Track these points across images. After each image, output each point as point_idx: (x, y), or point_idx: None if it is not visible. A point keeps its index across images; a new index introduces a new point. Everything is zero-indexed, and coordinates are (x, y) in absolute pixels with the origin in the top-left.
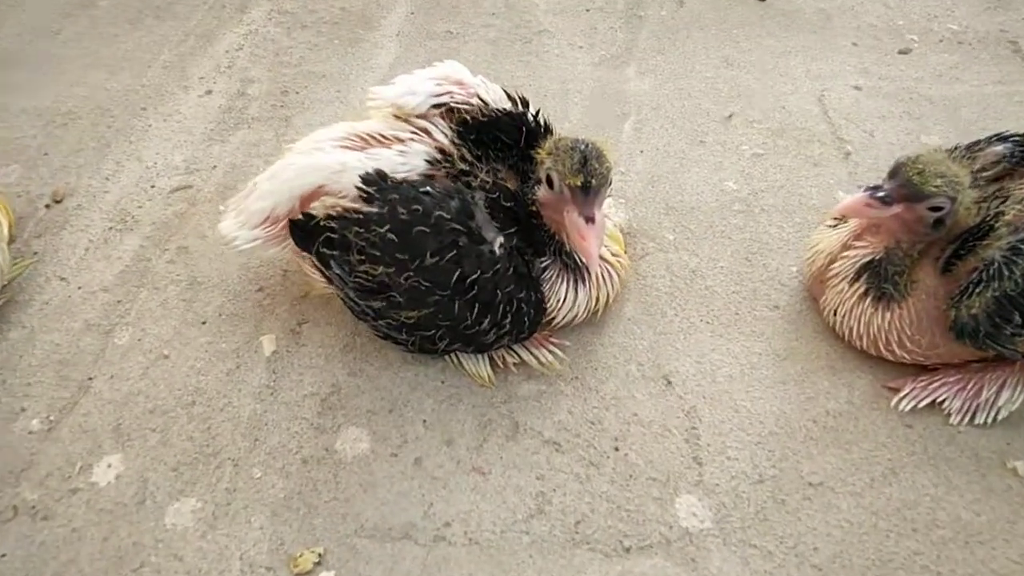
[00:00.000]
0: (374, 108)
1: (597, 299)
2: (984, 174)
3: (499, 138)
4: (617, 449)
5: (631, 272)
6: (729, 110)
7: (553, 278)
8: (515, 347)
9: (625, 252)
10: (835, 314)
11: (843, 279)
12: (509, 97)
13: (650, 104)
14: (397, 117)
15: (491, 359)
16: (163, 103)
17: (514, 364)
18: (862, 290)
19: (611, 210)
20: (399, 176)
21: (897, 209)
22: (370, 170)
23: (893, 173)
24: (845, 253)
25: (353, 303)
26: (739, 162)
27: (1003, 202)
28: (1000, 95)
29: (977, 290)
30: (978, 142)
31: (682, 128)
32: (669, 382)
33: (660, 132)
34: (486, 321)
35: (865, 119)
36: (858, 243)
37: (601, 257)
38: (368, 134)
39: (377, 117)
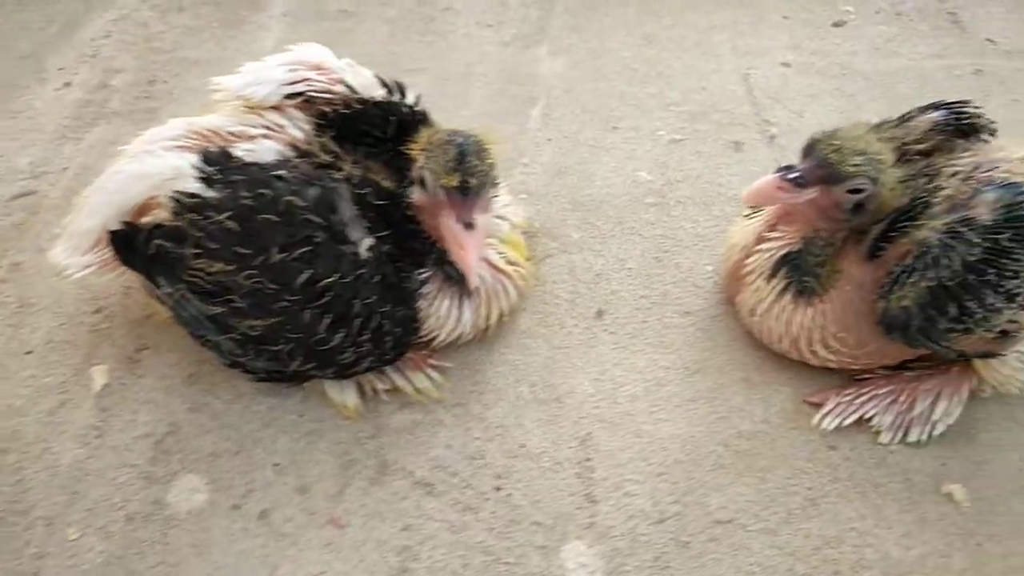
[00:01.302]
0: (220, 101)
1: (488, 316)
2: (917, 146)
3: (367, 132)
4: (499, 489)
5: (533, 279)
6: (647, 91)
7: (433, 293)
8: (387, 371)
9: (528, 258)
10: (753, 314)
11: (759, 275)
12: (382, 83)
13: (561, 87)
14: (248, 110)
15: (359, 386)
16: (14, 98)
17: (385, 391)
18: (781, 286)
19: (510, 208)
20: None
21: (812, 193)
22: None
23: (807, 151)
24: (760, 246)
25: (188, 319)
26: (654, 149)
27: (932, 179)
28: (939, 69)
29: (909, 279)
30: (911, 112)
31: (595, 113)
32: (563, 405)
33: (571, 118)
34: (339, 336)
35: (793, 98)
36: (773, 234)
37: (496, 267)
38: (211, 131)
39: (224, 111)
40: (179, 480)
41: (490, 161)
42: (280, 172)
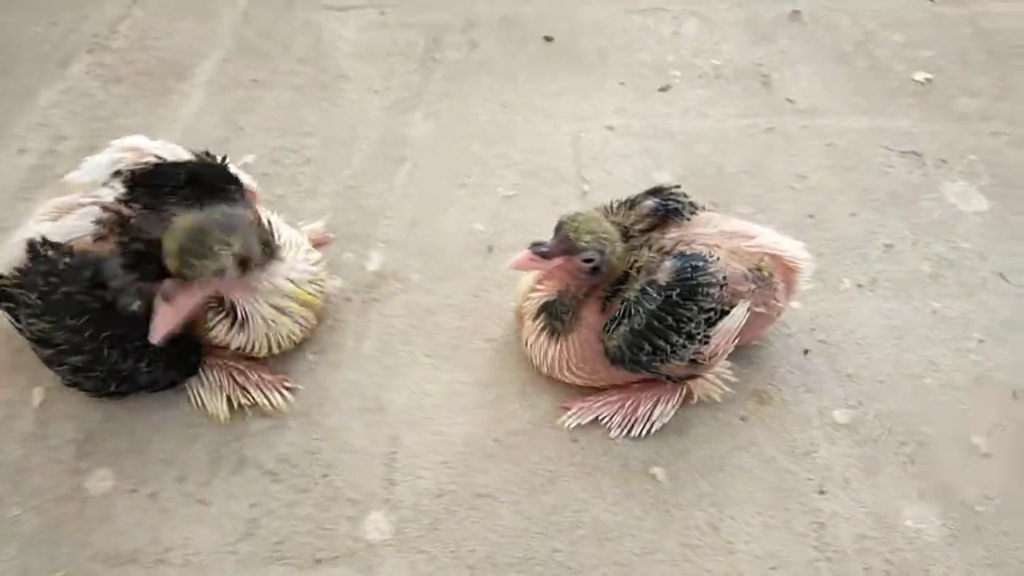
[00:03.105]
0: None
1: (260, 345)
2: (638, 226)
3: (165, 184)
4: (326, 475)
5: (374, 312)
6: (494, 152)
7: (211, 319)
8: (249, 389)
9: (308, 304)
10: (527, 344)
11: (529, 315)
12: (195, 155)
13: (427, 148)
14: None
15: (229, 400)
16: None
17: (249, 405)
18: (541, 326)
19: (311, 264)
20: (75, 237)
21: (558, 261)
22: (37, 237)
23: (556, 230)
24: (531, 294)
25: (36, 350)
26: (491, 203)
27: (647, 250)
28: (737, 129)
29: (616, 325)
30: (636, 197)
31: (449, 171)
32: (384, 412)
33: (430, 176)
34: (128, 365)
35: (608, 158)
36: (540, 286)
37: (266, 314)
38: (64, 205)
39: (77, 191)
40: (94, 472)
41: (213, 264)
42: (66, 260)
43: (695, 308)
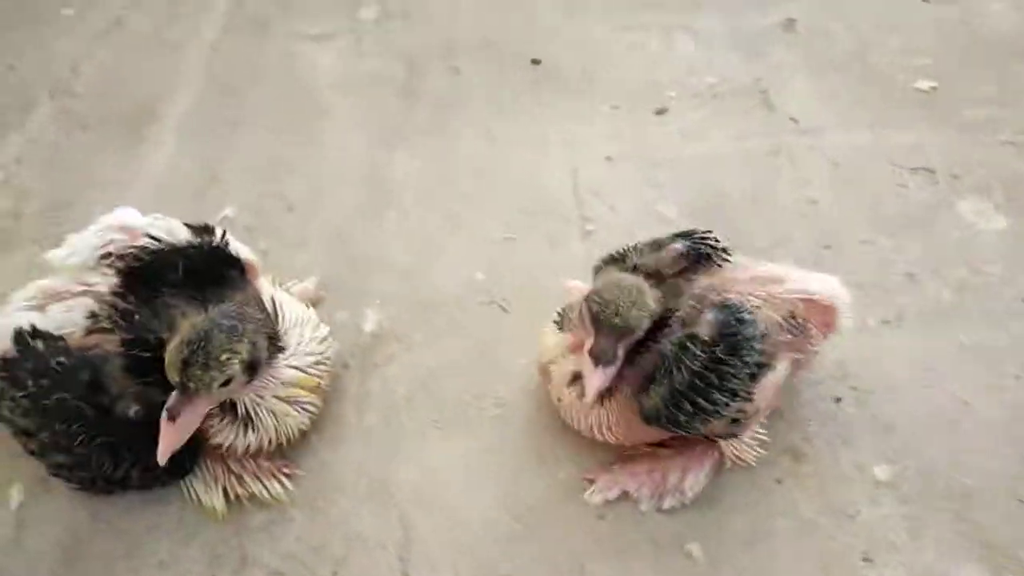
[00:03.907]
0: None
1: (271, 441)
2: (665, 269)
3: (163, 275)
4: (336, 573)
5: (375, 379)
6: (486, 191)
7: (216, 424)
8: (246, 479)
9: (315, 389)
10: (559, 401)
11: (561, 379)
12: (192, 228)
13: (414, 189)
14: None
15: (225, 493)
16: None
17: (247, 497)
18: (577, 392)
19: (313, 345)
20: (65, 331)
21: (621, 354)
22: (26, 326)
23: (596, 327)
24: (562, 360)
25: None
26: (489, 248)
27: (677, 298)
28: (739, 151)
29: (653, 383)
30: (661, 239)
31: (440, 214)
32: (392, 495)
33: (420, 220)
34: (120, 472)
35: (610, 192)
36: (572, 355)
37: (271, 409)
38: (50, 292)
39: (63, 273)
40: None
41: (224, 372)
42: (60, 359)
43: (739, 363)
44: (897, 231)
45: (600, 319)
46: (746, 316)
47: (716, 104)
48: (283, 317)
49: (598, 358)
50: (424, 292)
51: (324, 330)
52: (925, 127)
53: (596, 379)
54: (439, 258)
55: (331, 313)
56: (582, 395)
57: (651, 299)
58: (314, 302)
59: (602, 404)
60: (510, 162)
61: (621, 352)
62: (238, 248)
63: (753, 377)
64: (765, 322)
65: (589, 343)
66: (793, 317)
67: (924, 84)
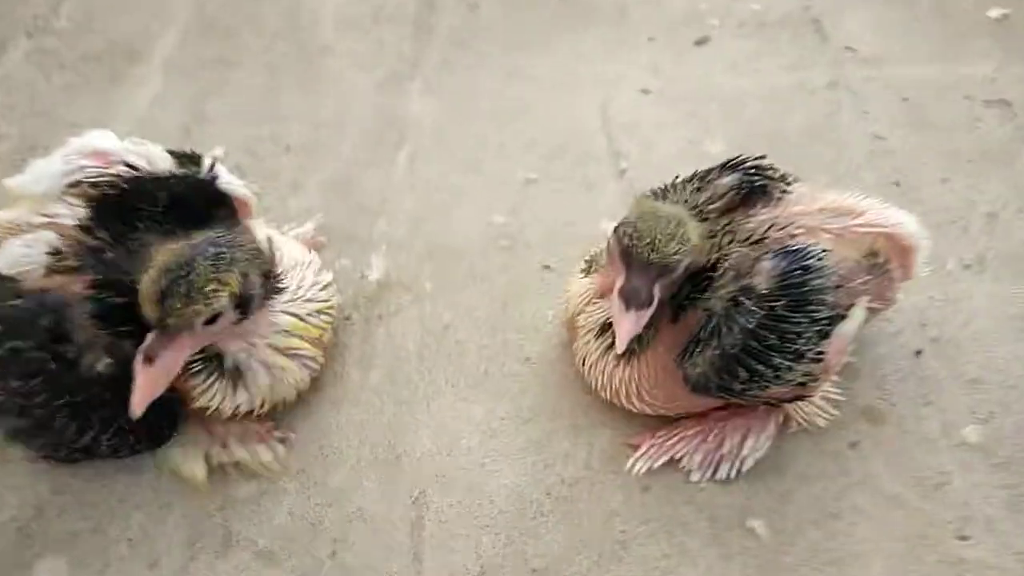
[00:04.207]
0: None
1: (267, 401)
2: (711, 206)
3: (140, 208)
4: (335, 554)
5: (380, 332)
6: (508, 130)
7: (203, 378)
8: (231, 444)
9: (320, 338)
10: (583, 364)
11: (588, 331)
12: (176, 156)
13: (430, 129)
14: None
15: (207, 459)
16: None
17: (231, 464)
18: (606, 344)
19: (313, 291)
20: (22, 269)
21: (657, 296)
22: None
23: (626, 260)
24: (587, 308)
25: None
26: (511, 191)
27: (730, 239)
28: (793, 84)
29: (698, 347)
30: (711, 170)
31: (458, 156)
32: (401, 463)
33: (435, 162)
34: (87, 438)
35: (646, 128)
36: (601, 300)
37: (268, 361)
38: (9, 224)
39: (22, 204)
40: (41, 562)
41: (198, 305)
42: (15, 303)
43: (806, 321)
44: (975, 169)
45: (632, 253)
46: (814, 261)
47: (763, 33)
48: (280, 257)
49: (629, 299)
50: (437, 238)
51: (327, 276)
52: (1000, 58)
53: (627, 323)
54: (455, 202)
55: (332, 261)
56: (610, 350)
57: (694, 233)
58: (314, 248)
59: (636, 364)
60: (534, 99)
61: (657, 294)
62: (229, 182)
63: (823, 335)
64: (840, 265)
65: (619, 282)
66: (874, 255)
67: (996, 12)
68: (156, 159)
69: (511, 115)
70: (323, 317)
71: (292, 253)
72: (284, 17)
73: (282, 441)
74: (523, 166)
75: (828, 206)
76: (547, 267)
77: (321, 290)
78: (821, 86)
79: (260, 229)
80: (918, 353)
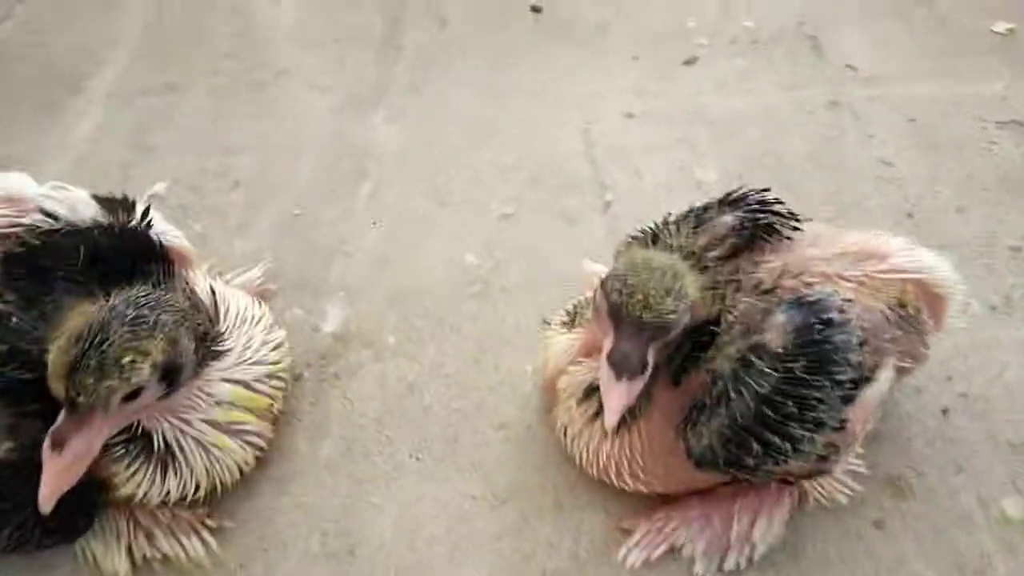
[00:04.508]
0: None
1: (198, 486)
2: (712, 253)
3: (56, 268)
4: None
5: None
6: (481, 157)
7: (126, 463)
8: (157, 535)
9: (270, 408)
10: (565, 435)
11: (571, 396)
12: (104, 202)
13: (395, 157)
14: None
15: (130, 554)
16: None
17: (158, 560)
18: (591, 412)
19: (261, 352)
20: None
21: (652, 362)
22: None
23: (616, 321)
24: (572, 368)
25: None
26: (485, 225)
27: (735, 289)
28: (788, 104)
29: (702, 415)
30: (708, 207)
31: (428, 185)
32: (355, 557)
33: (401, 193)
34: (7, 531)
35: (633, 155)
36: (585, 359)
37: (202, 441)
38: None
39: None
40: None
41: (109, 383)
42: None
43: (828, 384)
44: (991, 196)
45: (622, 312)
46: (835, 315)
47: (757, 52)
48: (224, 313)
49: (619, 366)
50: (402, 280)
51: (280, 333)
52: (1008, 75)
53: (618, 395)
54: (423, 239)
55: (282, 311)
56: (597, 418)
57: (693, 286)
58: (262, 297)
59: (628, 435)
60: (509, 123)
61: (652, 358)
62: (164, 231)
63: (847, 400)
64: (865, 318)
65: (608, 345)
66: (903, 306)
67: (1000, 26)
68: (79, 206)
69: (484, 140)
70: (274, 383)
71: (239, 307)
72: (237, 36)
73: (214, 531)
74: (498, 198)
75: (848, 249)
76: (525, 315)
77: (272, 350)
78: (820, 106)
79: (201, 281)
80: (945, 412)
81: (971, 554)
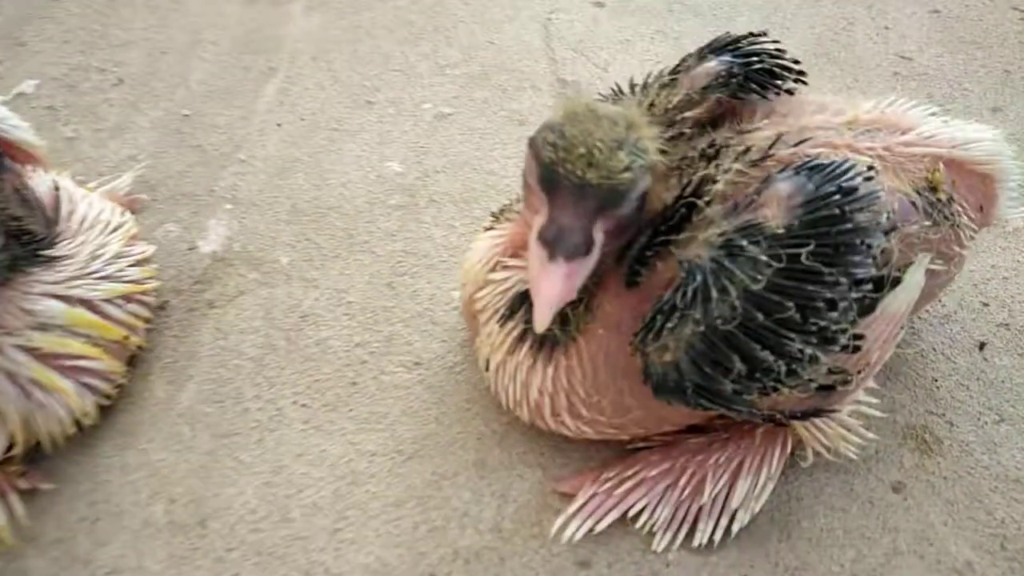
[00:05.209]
0: None
1: (12, 439)
2: (687, 112)
3: None
4: None
5: (206, 328)
6: (417, 51)
7: None
8: None
9: (124, 343)
10: (488, 367)
11: (492, 315)
12: None
13: (311, 51)
14: None
15: None
16: None
17: None
18: (518, 332)
19: (116, 266)
20: None
21: (600, 241)
22: None
23: (547, 183)
24: (494, 275)
25: None
26: (414, 129)
27: (713, 162)
28: None
29: (669, 321)
30: (686, 59)
31: (347, 83)
32: (207, 530)
33: (314, 92)
34: None
35: (602, 48)
36: (512, 260)
37: (21, 381)
38: None
39: None
40: None
41: None
42: None
43: (843, 281)
44: None
45: (558, 172)
46: (858, 182)
47: None
48: (63, 213)
49: (555, 243)
50: (306, 194)
51: (146, 248)
52: None
53: (552, 282)
54: (337, 145)
55: (153, 228)
56: (526, 339)
57: (653, 142)
58: (130, 210)
59: (565, 357)
60: (457, 13)
61: (599, 236)
62: (5, 122)
63: (867, 307)
64: (890, 199)
65: (540, 221)
66: (933, 190)
67: None
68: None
69: (423, 33)
70: (131, 307)
71: (90, 210)
72: None
73: (30, 492)
74: (434, 96)
75: (861, 117)
76: (457, 232)
77: (131, 266)
78: None
79: (42, 176)
80: (982, 347)
81: (1011, 523)
